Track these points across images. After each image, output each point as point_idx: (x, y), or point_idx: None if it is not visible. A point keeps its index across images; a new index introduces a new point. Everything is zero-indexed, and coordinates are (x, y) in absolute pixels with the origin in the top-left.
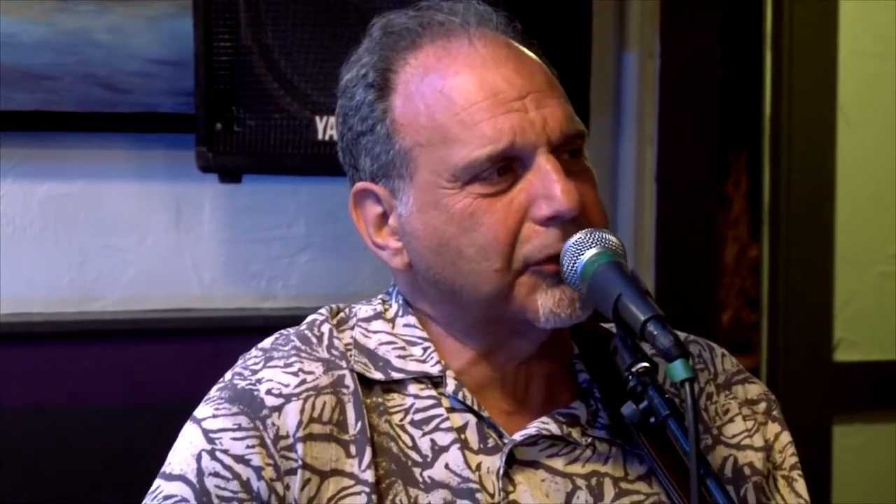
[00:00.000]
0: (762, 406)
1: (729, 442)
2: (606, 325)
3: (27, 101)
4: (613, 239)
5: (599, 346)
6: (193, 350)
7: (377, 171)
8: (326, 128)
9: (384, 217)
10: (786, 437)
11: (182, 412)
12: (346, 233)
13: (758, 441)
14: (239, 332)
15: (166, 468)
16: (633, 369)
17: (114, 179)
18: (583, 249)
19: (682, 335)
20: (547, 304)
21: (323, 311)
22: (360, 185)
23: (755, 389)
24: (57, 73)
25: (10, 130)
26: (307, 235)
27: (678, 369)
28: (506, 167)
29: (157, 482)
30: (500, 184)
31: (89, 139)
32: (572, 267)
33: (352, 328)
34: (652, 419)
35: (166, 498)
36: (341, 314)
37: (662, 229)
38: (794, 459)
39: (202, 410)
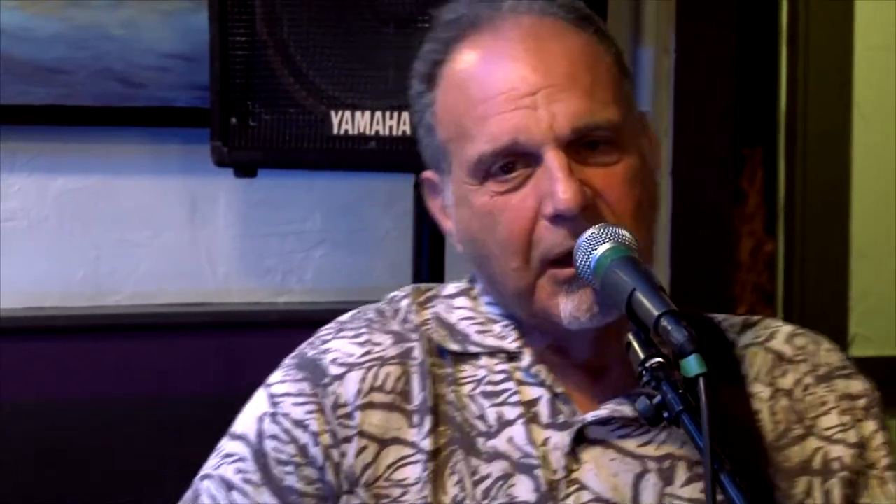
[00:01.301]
0: (862, 402)
1: (822, 434)
2: (709, 314)
3: (42, 96)
4: (627, 234)
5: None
6: (208, 345)
7: (430, 162)
8: (342, 122)
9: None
10: (882, 436)
11: (197, 406)
12: (361, 227)
13: (852, 437)
14: (253, 327)
15: (233, 428)
16: (647, 364)
17: (129, 174)
18: (596, 245)
19: (790, 327)
20: (567, 308)
21: (407, 288)
22: (424, 173)
23: (858, 385)
24: (71, 67)
25: (25, 125)
26: (322, 230)
27: (692, 364)
28: (514, 164)
29: (223, 440)
30: (512, 181)
31: (104, 133)
32: (585, 262)
33: (435, 305)
34: (666, 414)
35: (227, 456)
36: (429, 293)
37: (677, 224)
38: (888, 461)
39: (274, 376)
